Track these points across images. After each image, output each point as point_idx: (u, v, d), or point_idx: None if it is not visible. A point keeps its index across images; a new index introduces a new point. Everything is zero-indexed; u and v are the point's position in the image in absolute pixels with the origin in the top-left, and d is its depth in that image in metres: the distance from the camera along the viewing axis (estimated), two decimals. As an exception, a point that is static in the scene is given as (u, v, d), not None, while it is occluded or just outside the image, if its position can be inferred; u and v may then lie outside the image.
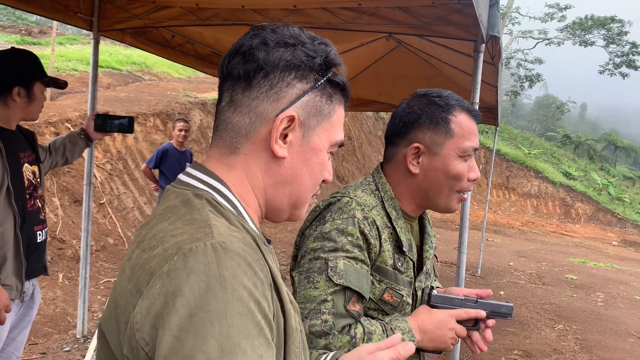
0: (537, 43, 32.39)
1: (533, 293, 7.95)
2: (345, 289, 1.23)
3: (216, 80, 0.94)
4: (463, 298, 1.38)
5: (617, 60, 29.66)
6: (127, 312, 0.69)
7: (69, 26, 4.67)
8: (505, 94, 34.87)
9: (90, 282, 5.24)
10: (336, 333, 1.20)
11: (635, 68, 29.34)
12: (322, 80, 0.84)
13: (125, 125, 2.91)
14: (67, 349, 4.16)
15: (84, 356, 3.89)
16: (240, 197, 0.83)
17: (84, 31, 4.49)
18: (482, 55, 3.16)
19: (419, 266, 1.45)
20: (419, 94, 1.43)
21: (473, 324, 1.38)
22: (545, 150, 26.59)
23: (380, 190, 1.40)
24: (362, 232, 1.28)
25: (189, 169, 0.86)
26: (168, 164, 5.89)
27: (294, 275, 1.29)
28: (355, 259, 1.26)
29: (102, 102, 7.88)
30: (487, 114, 6.67)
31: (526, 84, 33.87)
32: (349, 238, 1.26)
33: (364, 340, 1.23)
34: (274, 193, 0.85)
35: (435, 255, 1.57)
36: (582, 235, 17.84)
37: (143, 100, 9.14)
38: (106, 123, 2.88)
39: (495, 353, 5.13)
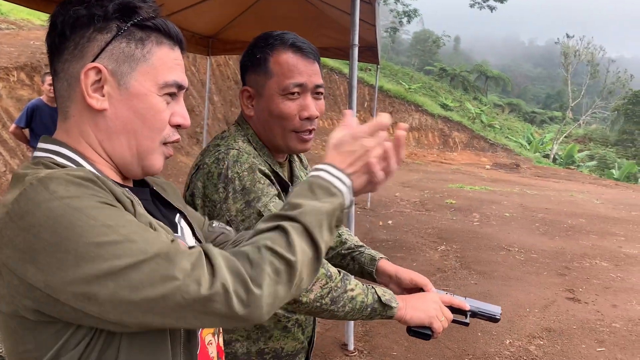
0: (412, -22, 33.13)
1: (418, 219, 8.57)
2: None
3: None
4: (452, 294, 1.38)
5: (486, -6, 31.31)
6: None
7: None
8: (385, 31, 35.66)
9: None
10: None
11: (502, 1, 31.19)
12: (125, 27, 0.84)
13: None
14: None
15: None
16: (83, 156, 0.85)
17: None
18: (358, -4, 3.22)
19: None
20: (256, 36, 1.41)
21: (464, 317, 1.36)
22: (424, 84, 27.86)
23: (251, 141, 1.40)
24: (265, 174, 1.31)
25: (39, 143, 0.87)
26: (39, 122, 5.45)
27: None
28: (276, 195, 1.30)
29: (-47, 57, 7.03)
30: (368, 53, 6.83)
31: (404, 20, 34.84)
32: (262, 182, 1.28)
33: (340, 276, 1.26)
34: (112, 147, 0.86)
35: None
36: (459, 162, 19.27)
37: (2, 52, 8.26)
38: None
39: (387, 278, 5.52)
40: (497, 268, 6.11)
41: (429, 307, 1.29)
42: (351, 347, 3.86)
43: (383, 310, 1.27)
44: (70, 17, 0.82)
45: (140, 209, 0.82)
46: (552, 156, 25.09)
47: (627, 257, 6.93)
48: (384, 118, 0.89)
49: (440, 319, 1.29)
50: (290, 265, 0.75)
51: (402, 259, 6.27)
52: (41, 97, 5.60)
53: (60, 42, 0.83)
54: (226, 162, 1.28)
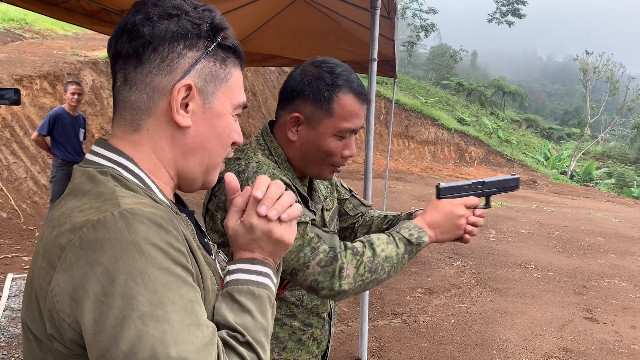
0: (430, -7, 33.27)
1: (433, 234, 8.49)
2: (312, 221, 1.28)
3: (107, 37, 0.93)
4: (471, 183, 1.40)
5: (504, 9, 31.33)
6: (43, 289, 0.70)
7: None
8: (402, 45, 35.77)
9: (-15, 259, 4.93)
10: (341, 250, 1.27)
11: (520, 16, 31.17)
12: (212, 46, 0.85)
13: (12, 96, 2.89)
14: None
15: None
16: (149, 171, 0.84)
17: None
18: (378, 11, 3.24)
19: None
20: (315, 62, 1.41)
21: (486, 203, 1.44)
22: (440, 99, 27.81)
23: (273, 154, 1.41)
24: (286, 183, 1.30)
25: (94, 147, 0.85)
26: (61, 130, 5.55)
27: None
28: None
29: (-22, 65, 7.19)
30: (386, 67, 6.84)
31: (422, 34, 34.91)
32: None
33: (366, 247, 1.29)
34: (185, 163, 0.86)
35: (330, 207, 1.61)
36: (475, 177, 19.13)
37: (26, 61, 8.43)
38: None
39: (401, 292, 5.49)
40: (513, 285, 6.04)
41: (454, 224, 1.39)
42: (365, 361, 3.83)
43: (418, 247, 1.35)
44: (161, 30, 0.81)
45: (200, 252, 0.82)
46: (569, 173, 24.80)
47: (647, 277, 6.80)
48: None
49: (470, 230, 1.41)
50: None
51: (417, 273, 6.22)
52: (63, 106, 5.70)
53: (145, 53, 0.81)
54: (246, 174, 1.29)
